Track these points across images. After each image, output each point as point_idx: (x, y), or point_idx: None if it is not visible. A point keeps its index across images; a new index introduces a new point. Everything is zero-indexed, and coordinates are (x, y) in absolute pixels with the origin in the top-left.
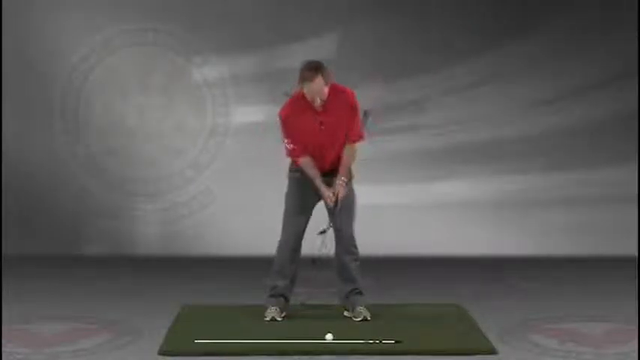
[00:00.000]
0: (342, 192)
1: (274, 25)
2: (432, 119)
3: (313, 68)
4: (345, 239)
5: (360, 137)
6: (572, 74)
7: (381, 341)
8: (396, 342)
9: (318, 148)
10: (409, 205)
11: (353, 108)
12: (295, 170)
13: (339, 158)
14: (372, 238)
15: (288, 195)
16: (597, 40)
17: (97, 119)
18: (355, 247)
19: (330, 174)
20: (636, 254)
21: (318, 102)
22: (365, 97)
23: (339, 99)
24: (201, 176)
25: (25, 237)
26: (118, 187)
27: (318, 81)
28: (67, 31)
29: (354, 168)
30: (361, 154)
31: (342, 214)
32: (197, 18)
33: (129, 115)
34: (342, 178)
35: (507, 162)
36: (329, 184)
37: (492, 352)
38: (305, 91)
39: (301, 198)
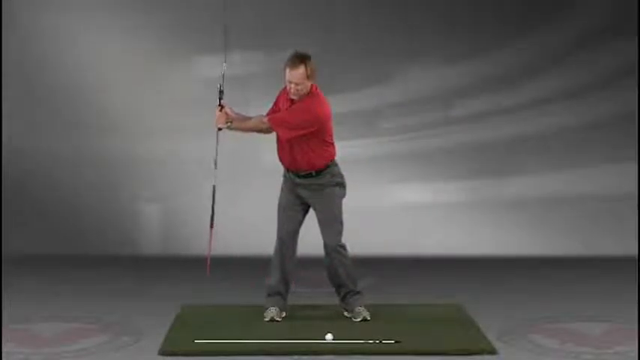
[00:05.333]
0: (219, 119)
1: (281, 24)
2: (430, 120)
3: (299, 57)
4: (330, 250)
5: (275, 123)
6: (572, 74)
7: (381, 341)
8: (396, 342)
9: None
10: (409, 205)
11: (302, 106)
12: (285, 171)
13: (311, 162)
14: (373, 238)
15: (279, 196)
16: (597, 40)
17: (98, 119)
18: (342, 253)
19: (305, 176)
20: (636, 254)
21: (292, 90)
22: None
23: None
24: (202, 176)
25: (25, 237)
26: (118, 187)
27: (300, 70)
28: (68, 30)
29: (349, 174)
30: (363, 153)
31: (325, 227)
32: (204, 14)
33: (130, 115)
34: (233, 121)
35: (507, 162)
36: (304, 185)
37: (492, 352)
38: (286, 77)
39: (286, 197)
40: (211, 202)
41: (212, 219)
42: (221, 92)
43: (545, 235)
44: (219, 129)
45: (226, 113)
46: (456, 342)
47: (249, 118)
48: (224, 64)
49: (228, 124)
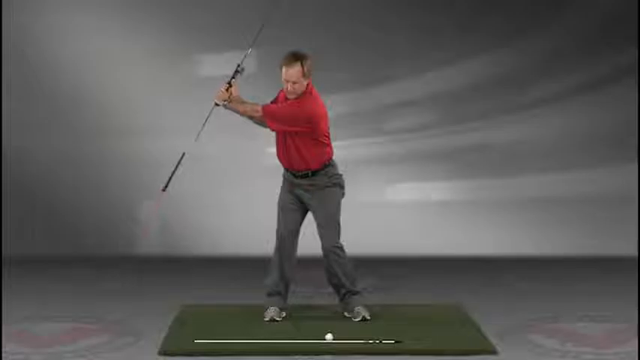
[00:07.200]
0: (220, 95)
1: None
2: (429, 120)
3: (295, 55)
4: (327, 251)
5: (266, 112)
6: (573, 74)
7: (381, 341)
8: (396, 342)
9: (280, 133)
10: (409, 205)
11: (295, 103)
12: (284, 171)
13: (306, 162)
14: (373, 238)
15: (279, 195)
16: (597, 40)
17: (98, 119)
18: (339, 254)
19: (302, 176)
20: (636, 254)
21: (288, 89)
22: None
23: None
24: (201, 176)
25: (25, 237)
26: (118, 187)
27: (296, 69)
28: (68, 30)
29: (349, 174)
30: (363, 153)
31: (322, 227)
32: (204, 14)
33: (130, 115)
34: (229, 102)
35: (507, 162)
36: (302, 186)
37: (492, 352)
38: (282, 76)
39: (285, 197)
40: (174, 168)
41: (167, 183)
42: (236, 72)
43: (545, 235)
44: (217, 104)
45: (231, 93)
46: (456, 342)
47: (247, 103)
48: (249, 49)
49: (225, 102)
